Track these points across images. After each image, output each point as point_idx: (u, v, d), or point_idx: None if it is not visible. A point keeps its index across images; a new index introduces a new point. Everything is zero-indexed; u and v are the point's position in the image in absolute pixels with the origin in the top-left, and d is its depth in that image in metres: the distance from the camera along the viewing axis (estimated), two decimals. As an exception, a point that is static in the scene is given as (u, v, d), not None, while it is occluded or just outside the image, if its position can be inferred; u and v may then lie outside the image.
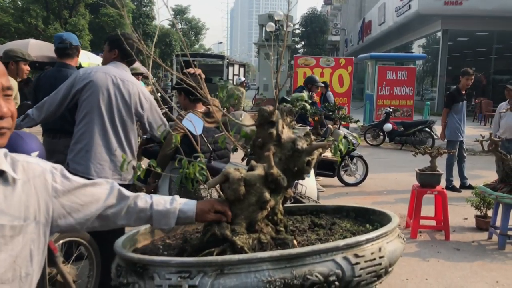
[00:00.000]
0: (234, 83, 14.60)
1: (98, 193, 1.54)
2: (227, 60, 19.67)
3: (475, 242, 5.23)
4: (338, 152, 1.85)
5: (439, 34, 23.89)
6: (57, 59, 4.06)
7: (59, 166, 1.49)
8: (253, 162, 1.77)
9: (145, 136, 4.30)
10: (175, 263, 1.46)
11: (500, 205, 5.14)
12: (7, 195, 1.30)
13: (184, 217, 1.64)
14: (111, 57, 3.38)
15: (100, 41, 30.76)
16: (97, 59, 15.00)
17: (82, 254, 3.27)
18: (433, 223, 5.62)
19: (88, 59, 14.17)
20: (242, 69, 21.44)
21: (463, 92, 7.69)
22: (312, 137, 1.89)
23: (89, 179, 3.16)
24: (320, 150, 1.84)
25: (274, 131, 1.80)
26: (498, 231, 5.10)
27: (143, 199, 1.62)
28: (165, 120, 3.46)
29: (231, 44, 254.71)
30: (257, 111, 1.89)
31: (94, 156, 3.14)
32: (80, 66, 11.59)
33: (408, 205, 5.74)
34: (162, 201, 1.64)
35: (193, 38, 50.83)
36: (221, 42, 75.77)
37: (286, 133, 1.84)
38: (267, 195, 1.69)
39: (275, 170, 1.71)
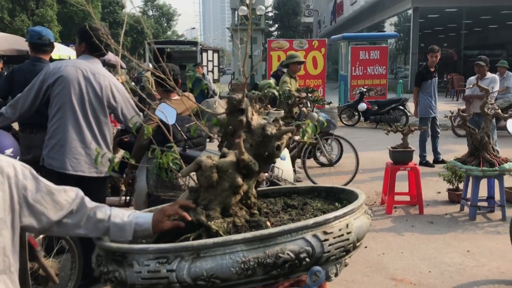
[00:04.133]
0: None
1: (63, 200, 1.59)
2: (201, 46, 19.54)
3: (448, 214, 5.42)
4: (306, 135, 1.92)
5: (410, 11, 24.14)
6: (31, 54, 4.03)
7: (27, 166, 1.55)
8: (224, 149, 1.84)
9: (119, 128, 4.31)
10: (152, 249, 1.52)
11: (470, 177, 5.32)
12: None
13: (141, 230, 1.69)
14: (81, 50, 3.37)
15: (70, 32, 30.16)
16: (67, 51, 14.73)
17: (64, 247, 3.30)
18: (407, 198, 5.79)
19: (58, 51, 13.91)
20: (216, 55, 21.34)
21: (432, 69, 7.85)
22: (281, 122, 1.96)
23: (65, 174, 3.20)
24: (290, 134, 1.91)
25: (243, 118, 1.86)
26: (469, 203, 5.30)
27: (102, 210, 1.67)
28: (138, 111, 3.48)
29: (204, 30, 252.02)
30: (228, 98, 1.95)
31: (69, 151, 3.15)
32: (51, 59, 11.40)
33: (383, 182, 5.90)
34: (120, 214, 1.69)
35: (165, 24, 50.13)
36: (194, 28, 74.97)
37: (256, 120, 1.90)
38: (239, 180, 1.76)
39: (246, 156, 1.78)
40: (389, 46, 17.49)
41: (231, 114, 1.90)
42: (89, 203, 1.66)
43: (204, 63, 19.30)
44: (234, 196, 1.77)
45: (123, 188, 4.66)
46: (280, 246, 1.52)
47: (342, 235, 1.62)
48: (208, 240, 1.54)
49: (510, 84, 9.78)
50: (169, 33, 51.04)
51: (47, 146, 3.23)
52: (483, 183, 5.32)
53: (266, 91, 1.96)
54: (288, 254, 1.51)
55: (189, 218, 1.70)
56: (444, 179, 5.90)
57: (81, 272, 3.31)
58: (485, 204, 5.38)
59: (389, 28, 29.68)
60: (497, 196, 5.31)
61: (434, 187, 6.42)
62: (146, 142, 3.43)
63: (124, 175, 3.91)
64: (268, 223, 1.80)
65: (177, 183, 3.40)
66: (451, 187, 5.92)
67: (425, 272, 3.89)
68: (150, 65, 10.91)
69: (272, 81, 5.25)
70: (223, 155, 1.82)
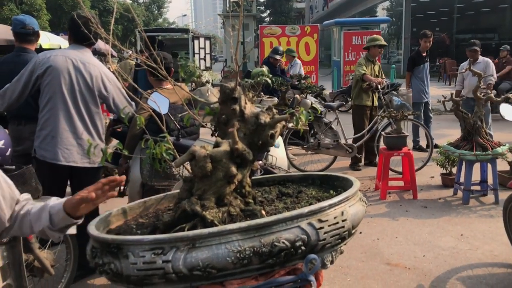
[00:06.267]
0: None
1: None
2: (192, 34, 19.38)
3: (442, 199, 5.45)
4: (300, 122, 1.91)
5: (402, -4, 24.05)
6: (16, 43, 3.95)
7: None
8: (218, 139, 1.82)
9: (112, 118, 4.28)
10: (148, 241, 1.51)
11: (463, 162, 5.35)
12: None
13: (55, 212, 1.67)
14: (68, 39, 3.34)
15: (59, 21, 29.79)
16: (58, 40, 14.55)
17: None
18: (401, 183, 5.82)
19: (48, 40, 13.75)
20: (208, 42, 21.18)
21: (424, 54, 7.84)
22: (275, 110, 1.95)
23: (57, 165, 3.17)
24: (283, 122, 1.90)
25: (237, 107, 1.84)
26: (462, 187, 5.33)
27: (24, 207, 1.73)
28: (130, 100, 3.45)
29: (195, 17, 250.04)
30: (220, 86, 1.93)
31: (61, 142, 3.13)
32: (41, 48, 11.25)
33: (377, 167, 5.92)
34: (37, 203, 1.72)
35: (156, 12, 49.65)
36: (185, 15, 74.35)
37: (249, 108, 1.88)
38: (233, 169, 1.75)
39: (240, 145, 1.76)
40: (381, 31, 17.43)
41: (224, 103, 1.88)
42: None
43: (196, 50, 19.16)
44: (228, 185, 1.76)
45: (117, 178, 4.64)
46: (275, 235, 1.52)
47: (337, 222, 1.61)
48: (203, 230, 1.53)
49: (297, 72, 9.77)
50: (160, 20, 50.57)
51: (38, 137, 3.20)
52: (476, 167, 5.36)
53: (259, 79, 1.94)
54: (283, 242, 1.51)
55: (93, 196, 1.61)
56: (437, 164, 5.93)
57: (76, 263, 3.32)
58: (478, 188, 5.42)
59: (381, 13, 29.55)
60: (490, 180, 5.35)
61: (427, 172, 6.45)
62: (139, 132, 3.41)
63: (119, 166, 3.90)
64: (263, 212, 1.79)
65: (171, 172, 3.39)
66: (444, 171, 5.95)
67: (419, 256, 3.93)
68: (129, 53, 10.75)
69: (265, 68, 5.18)
70: (216, 145, 1.80)
